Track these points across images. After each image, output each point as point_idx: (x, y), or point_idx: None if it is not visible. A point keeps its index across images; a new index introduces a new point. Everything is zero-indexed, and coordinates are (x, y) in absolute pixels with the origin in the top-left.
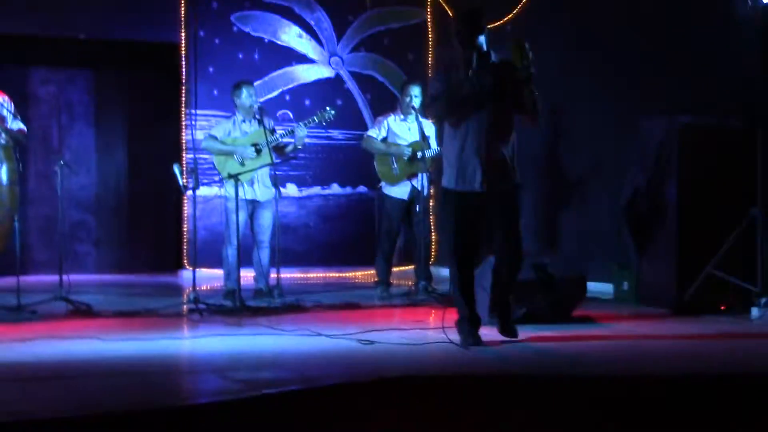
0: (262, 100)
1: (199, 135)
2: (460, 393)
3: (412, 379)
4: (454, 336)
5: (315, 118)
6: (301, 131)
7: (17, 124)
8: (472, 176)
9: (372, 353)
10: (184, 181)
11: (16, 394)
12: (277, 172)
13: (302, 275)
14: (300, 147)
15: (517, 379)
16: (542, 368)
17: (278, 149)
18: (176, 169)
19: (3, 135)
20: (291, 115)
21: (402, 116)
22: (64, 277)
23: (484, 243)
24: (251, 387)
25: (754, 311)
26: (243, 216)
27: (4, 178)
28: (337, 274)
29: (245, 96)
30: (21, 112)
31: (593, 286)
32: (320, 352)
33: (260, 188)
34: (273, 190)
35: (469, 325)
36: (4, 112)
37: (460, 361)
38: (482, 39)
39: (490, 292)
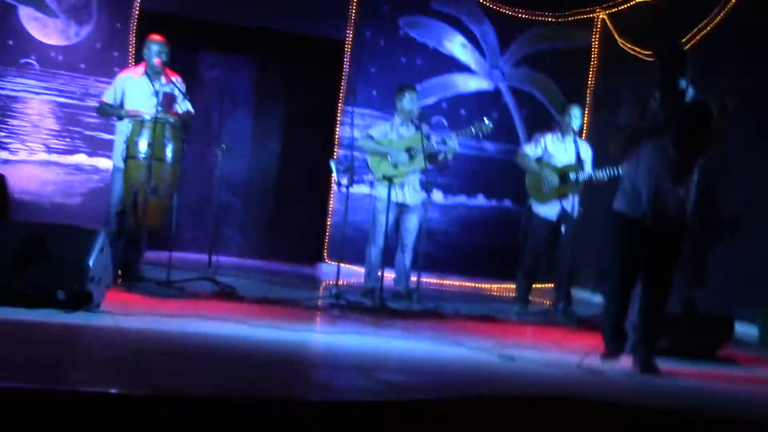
0: (419, 105)
1: (356, 133)
2: (595, 419)
3: (551, 400)
4: (592, 363)
5: (472, 129)
6: (452, 142)
7: (186, 105)
8: (639, 204)
9: (511, 369)
10: (341, 177)
11: (165, 367)
12: (427, 178)
13: (439, 281)
14: (450, 157)
15: (651, 412)
16: (678, 403)
17: (431, 156)
18: (333, 164)
19: (171, 117)
20: (446, 123)
21: (560, 136)
22: (211, 258)
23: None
24: (394, 389)
25: None
26: (391, 218)
27: (169, 156)
28: (473, 284)
29: (407, 100)
30: (188, 94)
31: (739, 328)
32: (458, 362)
33: (410, 192)
34: (423, 194)
35: (613, 338)
36: (177, 93)
37: (598, 387)
38: (686, 74)
39: (635, 327)
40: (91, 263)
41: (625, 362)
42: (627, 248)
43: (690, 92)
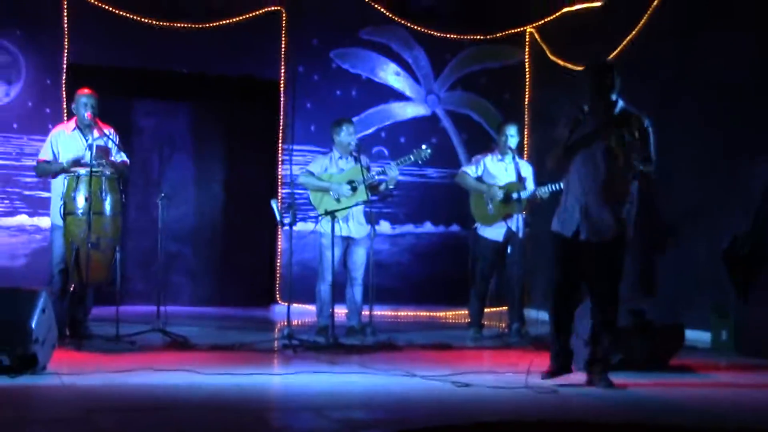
0: (358, 136)
1: (296, 170)
2: None
3: (509, 425)
4: (545, 382)
5: (411, 157)
6: (393, 171)
7: (121, 157)
8: (572, 223)
9: (467, 396)
10: (281, 216)
11: (114, 423)
12: (371, 210)
13: (393, 313)
14: (392, 187)
15: (612, 427)
16: (637, 416)
17: (373, 187)
18: (274, 204)
19: (108, 168)
20: (386, 152)
21: (499, 156)
22: (161, 308)
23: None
24: (347, 427)
25: None
26: (338, 252)
27: (108, 209)
28: (428, 313)
29: (344, 134)
30: (123, 143)
31: (690, 334)
32: (414, 393)
33: (355, 225)
34: (368, 227)
35: (558, 356)
36: (110, 145)
37: (556, 406)
38: (615, 88)
39: (587, 343)
40: (33, 325)
41: (578, 378)
42: (564, 267)
43: (620, 104)
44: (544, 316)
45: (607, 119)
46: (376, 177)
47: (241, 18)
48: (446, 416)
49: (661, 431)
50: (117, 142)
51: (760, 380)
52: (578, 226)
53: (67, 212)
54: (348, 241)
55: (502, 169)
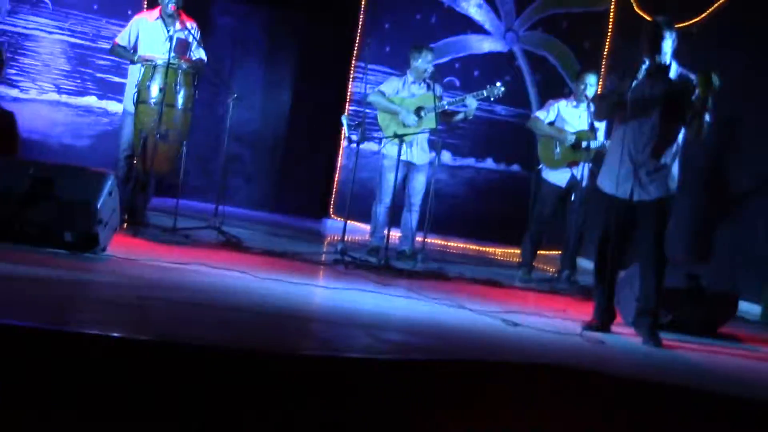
0: (433, 63)
1: (367, 90)
2: (594, 388)
3: (557, 370)
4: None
5: (484, 92)
6: (473, 102)
7: (199, 53)
8: (624, 182)
9: (517, 335)
10: (351, 133)
11: (164, 313)
12: (436, 139)
13: (444, 243)
14: (470, 117)
15: (650, 385)
16: (681, 379)
17: (444, 115)
18: (345, 120)
19: (185, 63)
20: (458, 83)
21: (575, 103)
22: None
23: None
24: (398, 349)
25: None
26: (398, 176)
27: (180, 102)
28: (477, 248)
29: (422, 60)
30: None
31: (743, 306)
32: (464, 325)
33: (418, 151)
34: (431, 154)
35: (599, 313)
36: (191, 39)
37: (601, 357)
38: (668, 49)
39: (638, 299)
40: (99, 205)
41: (628, 333)
42: (612, 225)
43: (675, 68)
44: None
45: (663, 83)
46: (447, 106)
47: None
48: (491, 352)
49: (705, 397)
50: (198, 38)
51: None
52: (631, 186)
53: (140, 100)
54: (409, 167)
55: (575, 116)
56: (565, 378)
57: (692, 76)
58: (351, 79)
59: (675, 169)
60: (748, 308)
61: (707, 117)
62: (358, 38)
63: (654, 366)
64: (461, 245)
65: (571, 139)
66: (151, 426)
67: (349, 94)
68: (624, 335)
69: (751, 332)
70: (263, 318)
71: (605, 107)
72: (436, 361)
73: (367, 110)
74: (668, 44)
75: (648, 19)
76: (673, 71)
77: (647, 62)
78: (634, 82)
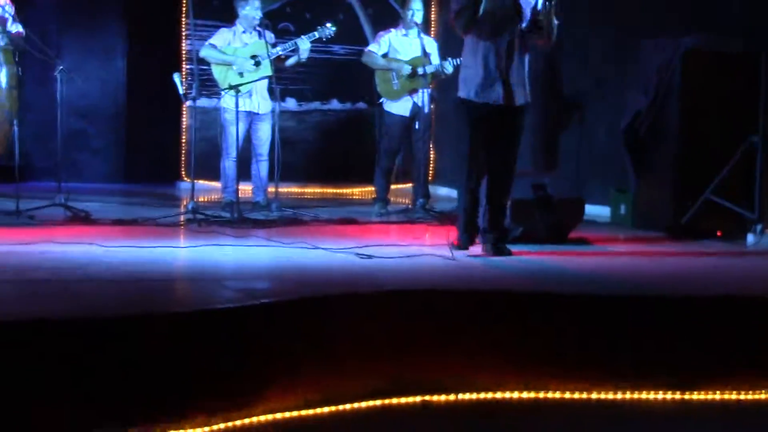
0: (263, 10)
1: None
2: (456, 306)
3: (410, 293)
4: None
5: (316, 33)
6: (304, 44)
7: (16, 27)
8: (493, 90)
9: (370, 266)
10: (185, 90)
11: (14, 294)
12: (277, 86)
13: (300, 190)
14: (303, 60)
15: (509, 294)
16: (534, 284)
17: (278, 61)
18: (176, 78)
19: (3, 38)
20: (292, 28)
21: (404, 31)
22: (63, 184)
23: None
24: (251, 296)
25: (750, 238)
26: (242, 128)
27: (4, 81)
28: (334, 190)
29: (249, 8)
30: (20, 15)
31: (590, 209)
32: (319, 265)
33: (259, 100)
34: (272, 102)
35: (465, 233)
36: (6, 15)
37: (458, 275)
38: None
39: (483, 210)
40: None
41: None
42: (478, 135)
43: None
44: (449, 192)
45: None
46: (281, 52)
47: None
48: (347, 285)
49: (559, 299)
50: (12, 13)
51: (654, 251)
52: (496, 92)
53: None
54: (252, 117)
55: (407, 44)
56: (419, 299)
57: None
58: (184, 38)
59: (528, 80)
60: (599, 211)
61: (555, 20)
62: None
63: (510, 275)
64: (317, 190)
65: (407, 68)
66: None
67: (183, 52)
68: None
69: (601, 233)
70: (114, 286)
71: (462, 23)
72: (290, 301)
73: (203, 66)
74: None
75: None
76: None
77: None
78: None
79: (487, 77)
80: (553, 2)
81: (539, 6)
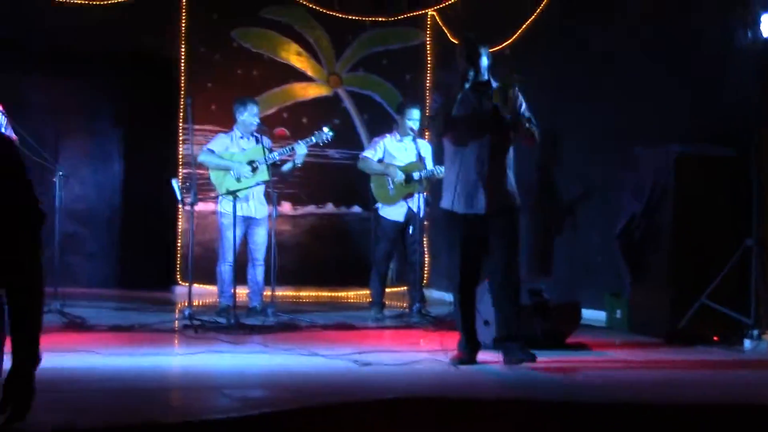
0: (260, 116)
1: (197, 150)
2: (457, 415)
3: (409, 401)
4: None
5: (313, 138)
6: (301, 149)
7: (9, 134)
8: (474, 198)
9: (368, 374)
10: (183, 195)
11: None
12: (272, 190)
13: (295, 294)
14: (299, 165)
15: (512, 403)
16: (537, 394)
17: (275, 167)
18: (175, 184)
19: None
20: (288, 133)
21: (399, 137)
22: (58, 289)
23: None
24: (249, 405)
25: (747, 343)
26: (238, 232)
27: None
28: (330, 294)
29: (248, 114)
30: (16, 120)
31: (586, 314)
32: (316, 372)
33: (256, 205)
34: (268, 207)
35: (467, 348)
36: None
37: (457, 383)
38: (485, 63)
39: (496, 319)
40: None
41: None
42: (466, 246)
43: (493, 84)
44: (444, 295)
45: (488, 98)
46: (278, 157)
47: None
48: (347, 394)
49: (556, 407)
50: (5, 122)
51: (652, 357)
52: (478, 200)
53: None
54: (249, 221)
55: (402, 149)
56: (420, 408)
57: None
58: (180, 142)
59: (513, 181)
60: (594, 315)
61: (525, 113)
62: (181, 100)
63: (511, 384)
64: (313, 294)
65: (401, 175)
66: None
67: (180, 157)
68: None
69: (597, 338)
70: (114, 395)
71: (436, 127)
72: (290, 411)
73: (200, 171)
74: (484, 60)
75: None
76: (494, 83)
77: (470, 76)
78: (459, 96)
79: (466, 186)
80: (511, 90)
81: (519, 107)
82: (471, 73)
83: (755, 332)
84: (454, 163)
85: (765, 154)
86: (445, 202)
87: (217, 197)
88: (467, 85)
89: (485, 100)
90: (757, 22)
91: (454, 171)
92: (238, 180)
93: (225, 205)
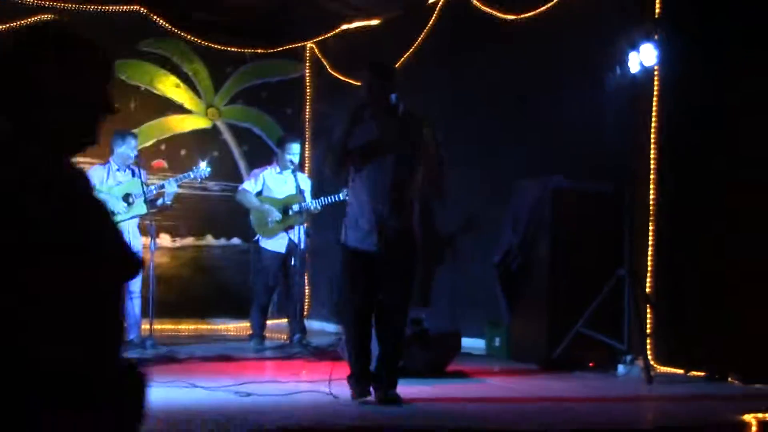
0: (137, 149)
1: None
2: None
3: (288, 431)
4: (338, 389)
5: (191, 174)
6: (171, 188)
7: None
8: (368, 235)
9: (248, 405)
10: None
11: None
12: (150, 222)
13: (174, 326)
14: (169, 203)
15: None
16: (416, 423)
17: (151, 201)
18: None
19: None
20: (166, 165)
21: (279, 170)
22: None
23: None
24: None
25: (621, 368)
26: None
27: None
28: (209, 327)
29: (126, 147)
30: None
31: (466, 342)
32: (195, 404)
33: (129, 237)
34: (142, 239)
35: (359, 380)
36: None
37: (336, 413)
38: (390, 90)
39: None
40: None
41: None
42: (363, 284)
43: (401, 107)
44: (325, 326)
45: (393, 122)
46: (154, 191)
47: (11, 24)
48: (228, 424)
49: None
50: None
51: (529, 385)
52: (377, 238)
53: None
54: None
55: (281, 182)
56: None
57: (419, 115)
58: None
59: (416, 218)
60: (474, 344)
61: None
62: None
63: (392, 415)
64: (192, 326)
65: (277, 214)
66: None
67: None
68: None
69: (477, 365)
70: None
71: (334, 160)
72: None
73: None
74: (397, 83)
75: (344, 78)
76: (400, 110)
77: (378, 103)
78: (358, 129)
79: (365, 223)
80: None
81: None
82: (371, 103)
83: (628, 358)
84: (353, 195)
85: (637, 187)
86: (342, 234)
87: None
88: (367, 116)
89: (388, 125)
90: (626, 60)
91: (353, 204)
92: (114, 213)
93: None
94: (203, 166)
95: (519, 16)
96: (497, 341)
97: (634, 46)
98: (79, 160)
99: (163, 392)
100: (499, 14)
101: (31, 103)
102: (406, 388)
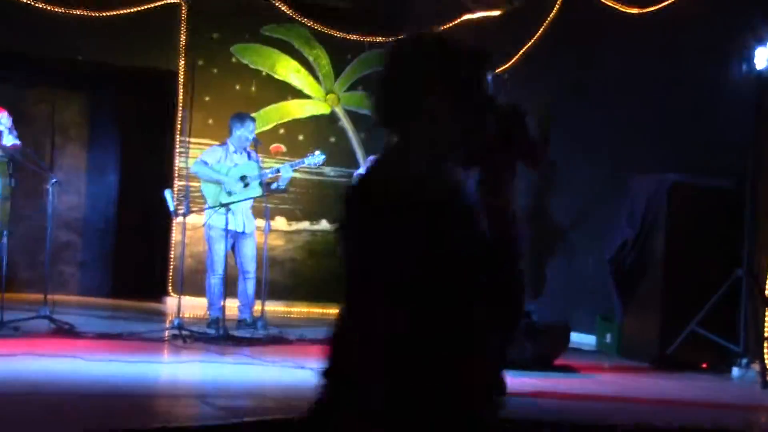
0: (256, 132)
1: (191, 163)
2: None
3: None
4: None
5: (305, 161)
6: (287, 173)
7: (12, 140)
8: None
9: None
10: (176, 206)
11: None
12: (266, 205)
13: (286, 309)
14: (283, 186)
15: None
16: (522, 415)
17: (266, 184)
18: (168, 195)
19: None
20: (284, 149)
21: None
22: (49, 296)
23: None
24: (232, 414)
25: (735, 371)
26: (228, 245)
27: None
28: (321, 310)
29: (244, 129)
30: (17, 127)
31: (576, 337)
32: (303, 385)
33: (244, 219)
34: (255, 221)
35: None
36: (2, 127)
37: None
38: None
39: None
40: None
41: None
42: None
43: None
44: None
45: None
46: (269, 174)
47: (140, 9)
48: None
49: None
50: (9, 125)
51: (640, 382)
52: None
53: None
54: (236, 235)
55: None
56: None
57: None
58: (176, 154)
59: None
60: (585, 339)
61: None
62: (179, 113)
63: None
64: (304, 309)
65: None
66: None
67: (176, 168)
68: None
69: (586, 361)
70: (95, 400)
71: None
72: (267, 421)
73: (194, 184)
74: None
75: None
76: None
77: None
78: None
79: None
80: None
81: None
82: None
83: (744, 361)
84: None
85: (760, 185)
86: None
87: (207, 209)
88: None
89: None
90: (752, 55)
91: None
92: (230, 194)
93: (215, 218)
94: (317, 153)
95: (642, 10)
96: (608, 337)
97: (762, 42)
98: (202, 142)
99: (271, 371)
100: (620, 8)
101: (424, 121)
102: (511, 380)
